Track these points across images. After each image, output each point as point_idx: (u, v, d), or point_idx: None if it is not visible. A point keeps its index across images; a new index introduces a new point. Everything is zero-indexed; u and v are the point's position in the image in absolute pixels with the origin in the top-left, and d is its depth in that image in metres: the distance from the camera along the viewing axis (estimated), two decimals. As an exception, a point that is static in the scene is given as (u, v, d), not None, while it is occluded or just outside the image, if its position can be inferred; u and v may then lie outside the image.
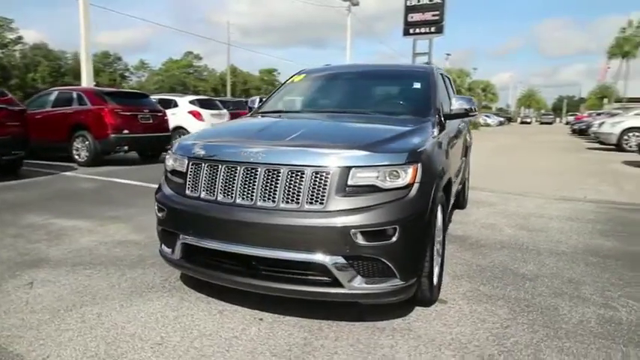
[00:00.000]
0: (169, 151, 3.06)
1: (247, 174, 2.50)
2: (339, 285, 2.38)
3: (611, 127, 14.89)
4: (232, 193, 2.52)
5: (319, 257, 2.35)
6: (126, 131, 9.43)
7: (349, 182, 2.38)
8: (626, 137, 14.40)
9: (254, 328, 2.58)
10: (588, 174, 9.36)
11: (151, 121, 10.03)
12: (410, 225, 2.40)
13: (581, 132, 25.12)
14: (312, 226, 2.33)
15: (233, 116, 13.77)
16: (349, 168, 2.39)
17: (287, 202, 2.41)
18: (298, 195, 2.40)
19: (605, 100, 59.81)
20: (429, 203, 2.52)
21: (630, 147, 14.15)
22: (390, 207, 2.37)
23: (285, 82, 4.36)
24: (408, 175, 2.42)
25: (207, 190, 2.62)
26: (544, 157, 13.38)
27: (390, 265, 2.38)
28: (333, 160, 2.41)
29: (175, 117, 11.81)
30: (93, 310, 2.78)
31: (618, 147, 14.60)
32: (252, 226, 2.42)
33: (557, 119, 71.71)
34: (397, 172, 2.41)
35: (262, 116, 3.79)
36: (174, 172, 2.91)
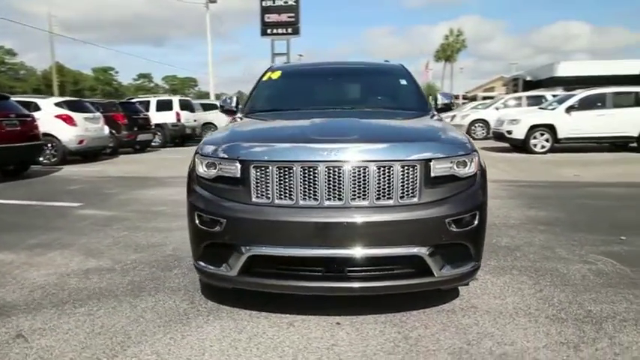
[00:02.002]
0: (198, 155, 2.70)
1: (332, 173, 2.38)
2: (430, 274, 2.45)
3: (462, 119, 17.52)
4: (317, 195, 2.38)
5: (415, 249, 2.39)
6: (-13, 141, 7.67)
7: (432, 174, 2.47)
8: (473, 127, 17.13)
9: (341, 332, 2.49)
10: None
11: (18, 128, 8.35)
12: (483, 209, 2.60)
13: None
14: (410, 220, 2.36)
15: (105, 120, 12.25)
16: (430, 160, 2.47)
17: (380, 199, 2.39)
18: (390, 190, 2.40)
19: (430, 98, 69.46)
20: (486, 188, 2.75)
21: (477, 135, 16.90)
22: (470, 194, 2.54)
23: (261, 80, 4.14)
24: (473, 164, 2.61)
25: (282, 195, 2.41)
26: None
27: (471, 248, 2.54)
28: (416, 153, 2.46)
29: (39, 123, 9.97)
30: (144, 350, 2.33)
31: (467, 136, 17.24)
32: (347, 226, 2.33)
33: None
34: (465, 161, 2.58)
35: (265, 116, 3.56)
36: (219, 178, 2.59)
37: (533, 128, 11.40)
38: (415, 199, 2.41)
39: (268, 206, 2.42)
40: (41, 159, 10.53)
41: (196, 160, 2.72)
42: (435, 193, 2.46)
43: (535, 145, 11.48)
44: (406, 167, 2.42)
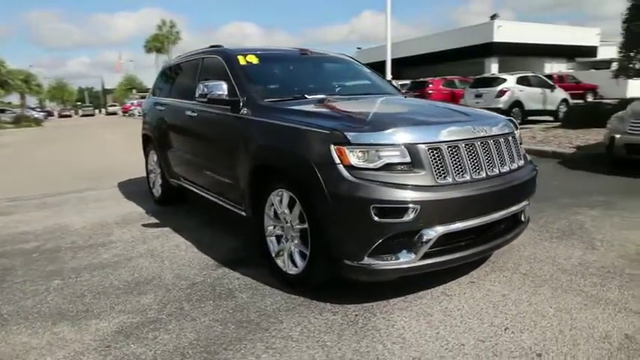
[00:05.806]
0: (348, 146, 2.43)
1: (484, 148, 2.68)
2: (521, 222, 3.04)
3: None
4: (481, 167, 2.62)
5: (525, 202, 2.96)
6: None
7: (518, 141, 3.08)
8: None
9: (497, 286, 2.79)
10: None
11: None
12: None
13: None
14: (528, 179, 2.92)
15: None
16: (514, 131, 3.04)
17: (512, 164, 2.85)
18: (514, 156, 2.89)
19: (135, 91, 65.92)
20: None
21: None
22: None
23: (239, 64, 3.57)
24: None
25: (458, 172, 2.53)
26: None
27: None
28: (509, 127, 2.99)
29: None
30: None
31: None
32: (507, 191, 2.69)
33: (96, 110, 72.05)
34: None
35: (305, 102, 3.24)
36: (385, 166, 2.42)
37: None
38: (523, 162, 3.00)
39: (452, 185, 2.49)
40: None
41: (346, 150, 2.43)
42: (523, 155, 3.09)
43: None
44: (512, 137, 2.95)
